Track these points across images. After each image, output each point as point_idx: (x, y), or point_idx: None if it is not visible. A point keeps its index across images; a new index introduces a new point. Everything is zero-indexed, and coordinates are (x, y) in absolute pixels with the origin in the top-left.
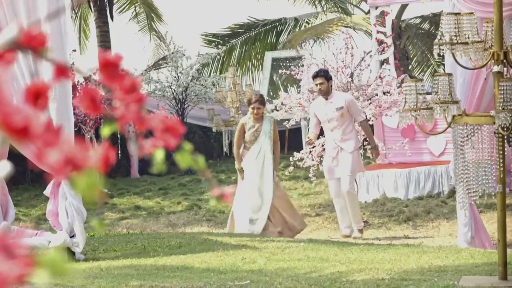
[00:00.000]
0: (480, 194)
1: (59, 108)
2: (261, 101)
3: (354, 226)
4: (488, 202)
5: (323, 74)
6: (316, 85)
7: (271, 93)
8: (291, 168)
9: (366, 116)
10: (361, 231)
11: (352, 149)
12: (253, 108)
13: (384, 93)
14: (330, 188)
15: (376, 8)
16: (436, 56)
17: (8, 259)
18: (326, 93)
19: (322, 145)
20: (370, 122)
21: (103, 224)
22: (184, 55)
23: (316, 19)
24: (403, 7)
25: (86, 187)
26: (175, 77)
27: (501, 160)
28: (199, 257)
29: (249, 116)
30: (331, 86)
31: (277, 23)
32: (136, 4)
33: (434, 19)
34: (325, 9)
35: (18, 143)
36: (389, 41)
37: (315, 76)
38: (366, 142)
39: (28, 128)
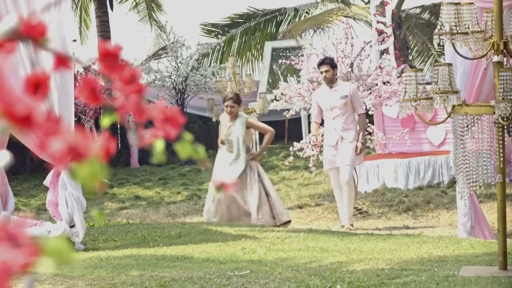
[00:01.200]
0: (480, 184)
1: (60, 98)
2: (235, 100)
3: (346, 222)
4: (488, 192)
5: (329, 62)
6: (321, 72)
7: (271, 83)
8: (291, 158)
9: (365, 110)
10: (352, 226)
11: (352, 139)
12: (226, 106)
13: (384, 83)
14: (331, 178)
15: None
16: (436, 46)
17: (12, 248)
18: (331, 81)
19: (322, 135)
20: (370, 112)
21: (103, 214)
22: (184, 45)
23: (316, 9)
24: None
25: (87, 177)
26: (175, 67)
27: (501, 150)
28: (199, 247)
29: (225, 114)
30: (336, 74)
31: (277, 13)
32: None
33: (434, 9)
34: None
35: (19, 133)
36: (389, 31)
37: (320, 64)
38: (367, 132)
39: (29, 118)
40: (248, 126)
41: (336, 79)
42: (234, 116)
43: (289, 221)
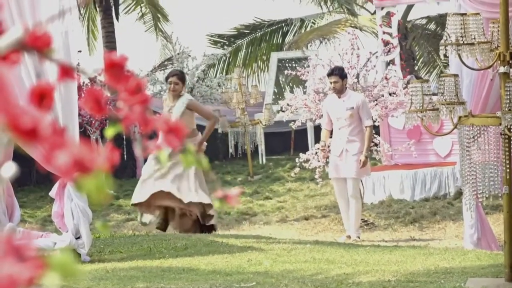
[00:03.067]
0: (486, 196)
1: (64, 109)
2: (180, 76)
3: (353, 233)
4: (495, 204)
5: (338, 73)
6: (331, 83)
7: (277, 94)
8: (297, 170)
9: (373, 123)
10: (358, 238)
11: (356, 151)
12: (170, 83)
13: (390, 94)
14: (335, 188)
15: (382, 8)
16: (442, 57)
17: (18, 261)
18: (340, 92)
19: (328, 146)
20: (376, 123)
21: (107, 226)
22: (190, 55)
23: (322, 19)
24: (409, 7)
25: (92, 189)
26: None
27: (508, 161)
28: (205, 259)
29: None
30: (345, 84)
31: (283, 24)
32: (142, 5)
33: (440, 20)
34: (331, 9)
35: (25, 145)
36: (395, 41)
37: (329, 74)
38: (373, 143)
39: (34, 130)
40: (190, 108)
41: (346, 89)
42: (176, 95)
43: (213, 228)
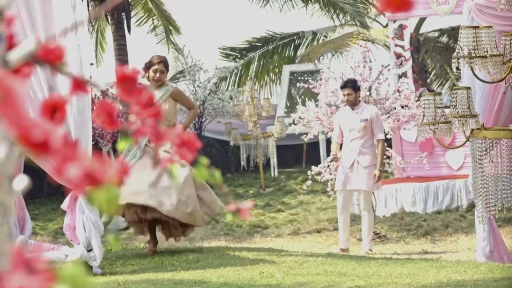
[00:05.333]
0: (499, 208)
1: (77, 122)
2: (166, 63)
3: (366, 246)
4: (507, 216)
5: (351, 85)
6: (344, 95)
7: (289, 107)
8: (309, 182)
9: (385, 137)
10: (370, 251)
11: (367, 164)
12: (155, 72)
13: (402, 107)
14: (338, 201)
15: (394, 21)
16: (454, 69)
17: (28, 274)
18: (353, 104)
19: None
20: (388, 136)
21: (118, 239)
22: (201, 68)
23: (334, 32)
24: (421, 20)
25: (104, 202)
26: (193, 90)
27: None
28: (216, 272)
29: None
30: (359, 97)
31: (295, 37)
32: (154, 17)
33: (453, 33)
34: (343, 22)
35: (36, 157)
36: (407, 54)
37: (343, 87)
38: (385, 156)
39: (46, 142)
40: (175, 97)
41: (359, 101)
42: (161, 84)
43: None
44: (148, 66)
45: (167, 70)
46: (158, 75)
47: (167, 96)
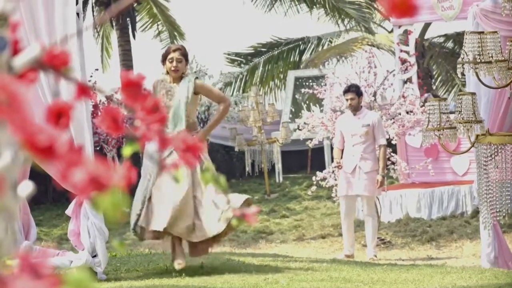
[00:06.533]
0: (503, 214)
1: (78, 127)
2: (183, 52)
3: (371, 252)
4: None
5: (354, 90)
6: (347, 100)
7: (294, 112)
8: (313, 188)
9: (387, 142)
10: (375, 257)
11: (368, 169)
12: (170, 61)
13: (407, 112)
14: (341, 207)
15: (400, 27)
16: (460, 75)
17: (34, 279)
18: (356, 109)
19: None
20: (393, 142)
21: (123, 245)
22: (206, 74)
23: (339, 38)
24: (427, 25)
25: (109, 207)
26: None
27: None
28: (221, 277)
29: (163, 74)
30: (361, 102)
31: (300, 42)
32: (159, 23)
33: (458, 38)
34: (348, 28)
35: (41, 162)
36: (413, 60)
37: (346, 91)
38: (390, 162)
39: (52, 148)
40: (198, 91)
41: (361, 107)
42: (179, 76)
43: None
44: (164, 57)
45: (187, 60)
46: (174, 64)
47: (191, 89)
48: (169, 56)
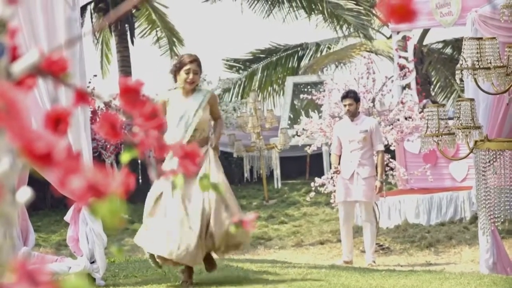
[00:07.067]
0: (502, 220)
1: (77, 134)
2: (199, 62)
3: (369, 258)
4: (510, 228)
5: (353, 96)
6: (345, 105)
7: (293, 118)
8: (312, 194)
9: (384, 148)
10: (374, 262)
11: (366, 175)
12: (187, 73)
13: (406, 118)
14: (340, 213)
15: (398, 33)
16: (458, 81)
17: (32, 286)
18: (353, 115)
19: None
20: (392, 148)
21: (122, 251)
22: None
23: (337, 44)
24: (425, 32)
25: (107, 213)
26: None
27: None
28: (220, 284)
29: (175, 88)
30: (359, 108)
31: (299, 48)
32: (157, 29)
33: (457, 44)
34: (346, 34)
35: (40, 169)
36: (411, 66)
37: (344, 97)
38: (388, 168)
39: (50, 155)
40: (212, 102)
41: (359, 112)
42: (193, 89)
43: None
44: (178, 67)
45: (201, 71)
46: (191, 76)
47: (206, 102)
48: (186, 68)
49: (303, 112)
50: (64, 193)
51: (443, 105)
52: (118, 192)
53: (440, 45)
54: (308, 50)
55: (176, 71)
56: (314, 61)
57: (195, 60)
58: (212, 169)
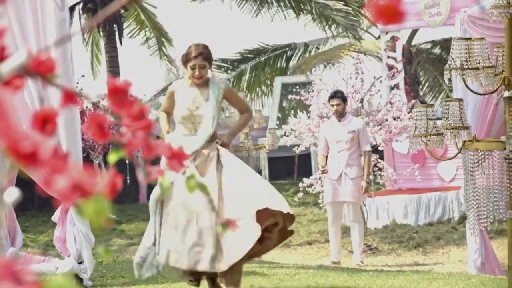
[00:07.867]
0: (490, 220)
1: (67, 134)
2: (206, 55)
3: (357, 258)
4: (499, 228)
5: (340, 96)
6: (332, 105)
7: (281, 119)
8: (300, 194)
9: (371, 148)
10: (362, 263)
11: (354, 175)
12: (192, 69)
13: (394, 119)
14: (328, 214)
15: (387, 33)
16: (447, 81)
17: (17, 286)
18: (341, 115)
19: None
20: (380, 148)
21: (109, 251)
22: None
23: (326, 44)
24: (414, 32)
25: (93, 214)
26: None
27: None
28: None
29: (185, 80)
30: (345, 108)
31: (287, 48)
32: (146, 29)
33: (446, 44)
34: (335, 34)
35: (26, 169)
36: (400, 66)
37: (332, 97)
38: (377, 168)
39: (36, 154)
40: (228, 96)
41: (346, 113)
42: (204, 82)
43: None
44: (184, 61)
45: (210, 62)
46: (197, 72)
47: (221, 95)
48: (191, 64)
49: (291, 112)
50: (50, 192)
51: (432, 105)
52: (104, 192)
53: (429, 45)
54: (296, 51)
55: (184, 63)
56: (302, 61)
57: (201, 54)
58: (227, 163)
